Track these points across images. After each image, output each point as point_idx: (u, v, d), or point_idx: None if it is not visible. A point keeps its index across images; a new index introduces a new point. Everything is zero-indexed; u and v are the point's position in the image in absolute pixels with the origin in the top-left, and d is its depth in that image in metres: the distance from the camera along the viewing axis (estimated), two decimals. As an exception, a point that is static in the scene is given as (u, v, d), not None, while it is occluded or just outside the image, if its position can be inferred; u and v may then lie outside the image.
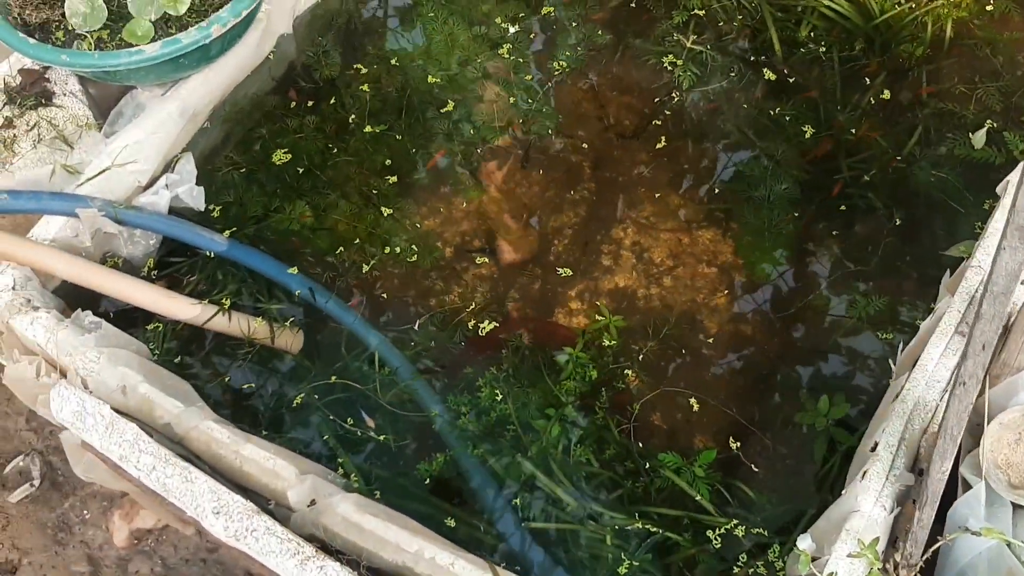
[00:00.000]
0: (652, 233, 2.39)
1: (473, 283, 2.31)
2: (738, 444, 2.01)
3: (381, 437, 2.03)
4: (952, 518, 1.70)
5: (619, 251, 2.37)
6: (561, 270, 2.31)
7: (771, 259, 2.32)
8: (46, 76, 2.32)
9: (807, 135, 2.43)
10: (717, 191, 2.42)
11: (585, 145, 2.51)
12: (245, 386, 2.13)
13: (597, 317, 2.22)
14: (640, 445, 2.03)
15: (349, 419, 2.05)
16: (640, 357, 2.16)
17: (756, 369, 2.18)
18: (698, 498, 1.90)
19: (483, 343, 2.21)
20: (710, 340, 2.20)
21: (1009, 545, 1.59)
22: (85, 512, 2.35)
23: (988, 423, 1.70)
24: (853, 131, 2.44)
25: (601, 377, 2.12)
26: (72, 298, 2.11)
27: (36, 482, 2.36)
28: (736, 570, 1.82)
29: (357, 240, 2.32)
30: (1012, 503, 1.66)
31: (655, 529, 1.87)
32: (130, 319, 2.15)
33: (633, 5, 2.74)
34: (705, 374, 2.17)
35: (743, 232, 2.36)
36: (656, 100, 2.57)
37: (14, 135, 2.23)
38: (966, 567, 1.66)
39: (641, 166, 2.48)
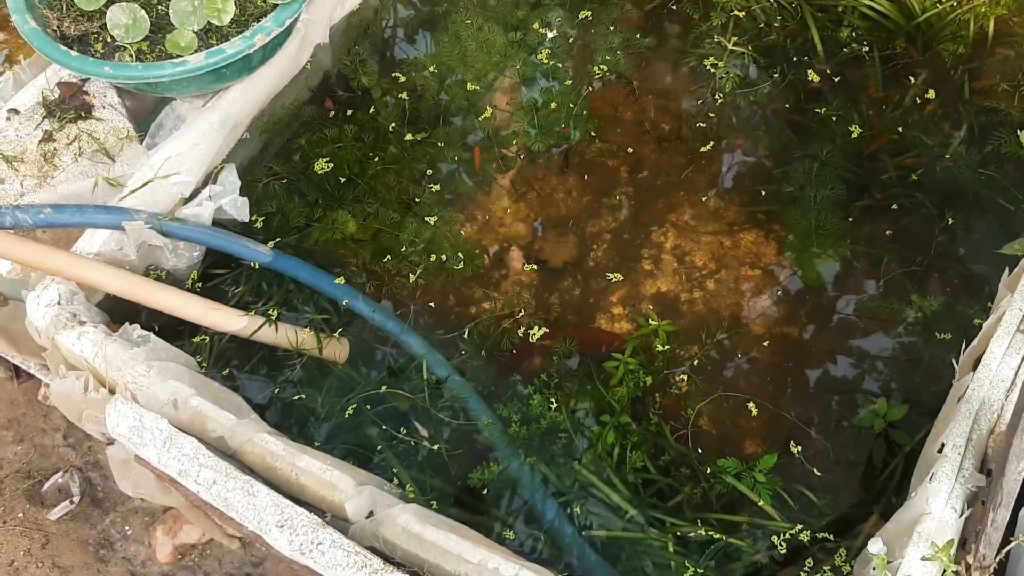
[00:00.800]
0: (693, 236, 2.37)
1: (514, 290, 2.29)
2: (799, 448, 1.98)
3: (435, 446, 2.01)
4: (1023, 520, 1.67)
5: (660, 255, 2.35)
6: (612, 275, 2.29)
7: (818, 260, 2.29)
8: (85, 89, 2.31)
9: (853, 135, 2.41)
10: (760, 193, 2.40)
11: (630, 149, 2.49)
12: (295, 398, 2.10)
13: (649, 322, 2.19)
14: (699, 451, 2.00)
15: (403, 428, 2.03)
16: (695, 362, 2.13)
17: (808, 371, 2.15)
18: (761, 503, 1.87)
19: (530, 350, 2.19)
20: (761, 342, 2.17)
21: (1087, 546, 1.56)
22: (127, 528, 2.33)
23: (1057, 422, 1.67)
24: (898, 129, 2.42)
25: (654, 383, 2.09)
26: (115, 312, 2.09)
27: (76, 499, 2.34)
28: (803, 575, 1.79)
29: (403, 248, 2.30)
30: (1087, 503, 1.63)
31: (718, 536, 1.84)
32: (175, 332, 2.12)
33: (673, 7, 2.73)
34: (757, 377, 2.14)
35: (789, 234, 2.33)
36: (699, 102, 2.55)
37: (55, 148, 2.22)
38: (1041, 569, 1.63)
39: (681, 169, 2.46)
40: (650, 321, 2.19)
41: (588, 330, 2.26)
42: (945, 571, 1.58)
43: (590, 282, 2.31)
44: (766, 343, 2.18)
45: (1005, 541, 1.60)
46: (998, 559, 1.60)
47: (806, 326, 2.21)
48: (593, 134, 2.51)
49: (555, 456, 2.00)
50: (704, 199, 2.41)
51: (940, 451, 1.73)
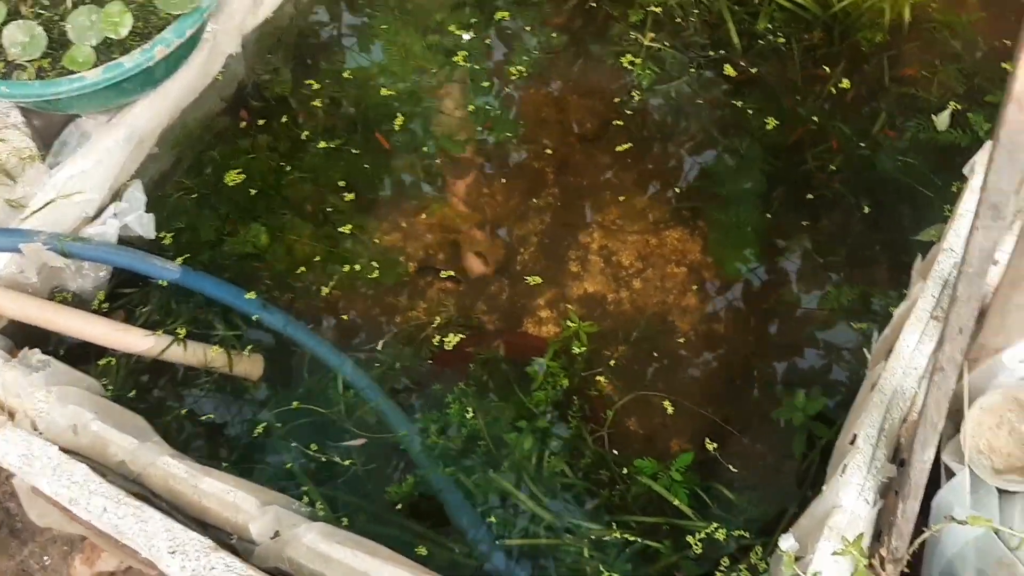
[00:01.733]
0: (619, 236, 2.34)
1: (439, 297, 2.25)
2: (715, 445, 1.96)
3: (347, 462, 1.96)
4: (937, 508, 1.65)
5: (587, 256, 2.32)
6: (529, 278, 2.25)
7: (740, 255, 2.27)
8: (-14, 109, 2.25)
9: (770, 127, 2.39)
10: (682, 190, 2.38)
11: (548, 151, 2.45)
12: (204, 417, 2.05)
13: (568, 324, 2.16)
14: (615, 452, 1.97)
15: (313, 445, 1.98)
16: (612, 363, 2.10)
17: (730, 367, 2.13)
18: (676, 503, 1.84)
19: (450, 358, 2.15)
20: (682, 340, 2.15)
21: (996, 532, 1.53)
22: (45, 558, 2.27)
23: (968, 408, 1.66)
24: (816, 120, 2.40)
25: (573, 385, 2.06)
26: (19, 337, 2.04)
27: (-6, 530, 2.28)
28: (718, 575, 1.75)
29: (317, 259, 2.26)
30: (997, 489, 1.61)
31: (633, 538, 1.81)
32: (83, 355, 2.07)
33: (593, 4, 2.70)
34: (679, 376, 2.11)
35: (711, 230, 2.31)
36: (617, 100, 2.52)
37: (-46, 172, 2.16)
38: (954, 557, 1.60)
39: (605, 169, 2.43)
40: (569, 323, 2.15)
41: (512, 335, 2.22)
42: (858, 566, 1.55)
43: (517, 286, 2.28)
44: (687, 340, 2.15)
45: (918, 531, 1.58)
46: (911, 550, 1.58)
47: (728, 322, 2.19)
48: (514, 136, 2.48)
49: (474, 465, 1.97)
50: (625, 198, 2.38)
51: (852, 442, 1.70)
